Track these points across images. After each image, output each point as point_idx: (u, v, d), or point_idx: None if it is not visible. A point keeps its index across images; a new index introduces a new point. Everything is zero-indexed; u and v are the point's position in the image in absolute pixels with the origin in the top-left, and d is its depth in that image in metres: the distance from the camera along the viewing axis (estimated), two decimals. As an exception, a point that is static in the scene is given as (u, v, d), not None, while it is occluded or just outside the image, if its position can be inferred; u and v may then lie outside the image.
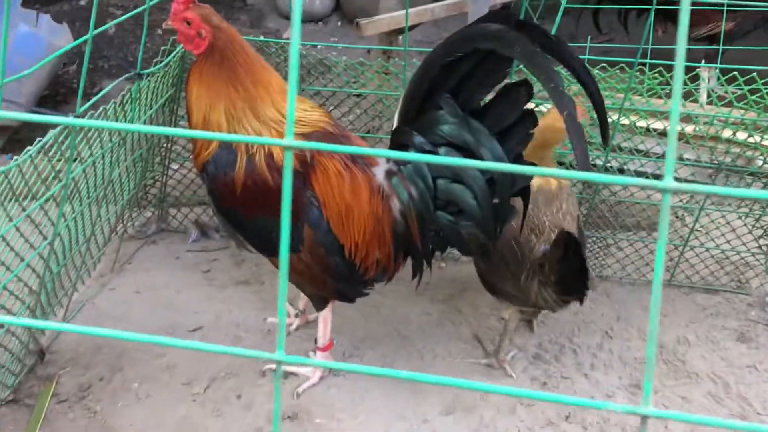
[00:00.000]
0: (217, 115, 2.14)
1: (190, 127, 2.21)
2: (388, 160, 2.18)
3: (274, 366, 2.42)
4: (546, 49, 1.88)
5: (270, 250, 2.26)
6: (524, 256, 2.26)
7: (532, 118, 2.05)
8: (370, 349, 2.58)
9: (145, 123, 2.56)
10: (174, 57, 2.65)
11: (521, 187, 2.10)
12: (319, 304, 2.35)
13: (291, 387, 2.38)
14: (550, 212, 2.30)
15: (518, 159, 2.10)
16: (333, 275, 2.22)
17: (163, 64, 2.58)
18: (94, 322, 2.63)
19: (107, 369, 2.44)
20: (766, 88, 2.54)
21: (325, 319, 2.38)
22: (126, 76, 2.43)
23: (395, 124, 2.14)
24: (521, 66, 2.22)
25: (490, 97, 2.14)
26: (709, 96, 3.94)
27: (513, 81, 2.02)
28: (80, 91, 1.92)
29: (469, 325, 2.72)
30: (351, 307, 2.74)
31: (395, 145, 2.13)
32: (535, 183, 2.25)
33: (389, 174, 2.18)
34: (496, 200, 2.08)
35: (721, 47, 3.86)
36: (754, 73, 2.49)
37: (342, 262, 2.19)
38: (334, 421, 2.27)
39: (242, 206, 2.17)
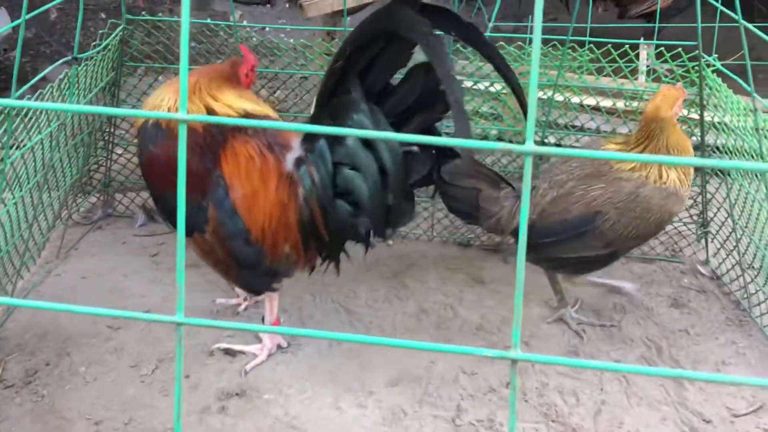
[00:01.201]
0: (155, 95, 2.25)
1: None
2: (300, 147, 2.19)
3: (222, 345, 2.46)
4: (459, 34, 1.94)
5: (175, 224, 2.30)
6: None
7: (433, 101, 2.06)
8: (318, 325, 2.63)
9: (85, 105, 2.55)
10: (113, 40, 2.64)
11: (419, 178, 2.12)
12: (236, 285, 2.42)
13: (240, 365, 2.42)
14: (566, 188, 2.46)
15: (423, 148, 2.10)
16: (237, 261, 2.23)
17: (101, 47, 2.56)
18: (40, 309, 2.62)
19: (54, 354, 2.45)
20: (692, 63, 2.64)
21: (271, 298, 2.42)
22: (63, 60, 2.42)
23: (313, 109, 2.18)
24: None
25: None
26: (648, 75, 4.06)
27: (417, 63, 2.03)
28: (14, 75, 1.91)
29: (416, 300, 2.79)
30: (299, 285, 2.78)
31: (306, 136, 2.17)
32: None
33: (298, 162, 2.17)
34: (390, 196, 2.09)
35: (657, 24, 3.98)
36: (680, 49, 2.59)
37: (247, 247, 2.19)
38: (282, 397, 2.32)
39: (155, 180, 2.23)
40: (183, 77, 0.76)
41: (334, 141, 2.09)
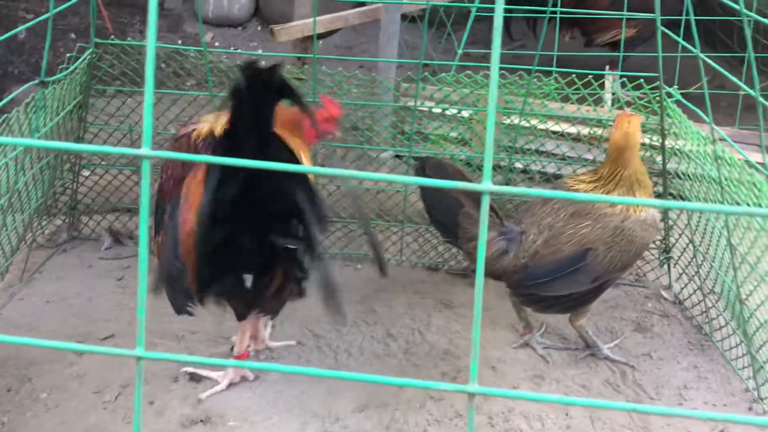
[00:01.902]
0: None
1: None
2: None
3: (189, 369, 2.44)
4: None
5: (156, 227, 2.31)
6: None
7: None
8: (285, 351, 2.62)
9: (51, 130, 2.54)
10: (81, 63, 2.63)
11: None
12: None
13: (203, 390, 2.40)
14: (560, 224, 2.48)
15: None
16: (166, 271, 2.19)
17: (69, 70, 2.55)
18: (2, 333, 2.58)
19: (15, 380, 2.40)
20: (653, 93, 2.71)
21: (243, 328, 2.39)
22: (30, 83, 2.41)
23: None
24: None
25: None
26: (613, 103, 4.15)
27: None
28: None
29: (384, 324, 2.79)
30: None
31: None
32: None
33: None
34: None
35: (622, 54, 4.08)
36: (641, 80, 2.65)
37: (174, 261, 2.14)
38: (248, 424, 2.31)
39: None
40: (147, 109, 0.77)
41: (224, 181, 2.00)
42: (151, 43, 0.79)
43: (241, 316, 2.34)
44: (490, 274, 2.49)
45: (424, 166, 2.53)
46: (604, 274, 2.49)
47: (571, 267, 2.44)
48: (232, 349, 2.47)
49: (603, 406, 0.98)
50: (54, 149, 2.62)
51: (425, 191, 2.54)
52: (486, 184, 0.77)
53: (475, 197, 2.45)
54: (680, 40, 2.54)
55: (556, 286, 2.48)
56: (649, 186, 2.52)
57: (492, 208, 2.49)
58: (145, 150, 0.76)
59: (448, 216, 2.48)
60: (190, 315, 2.26)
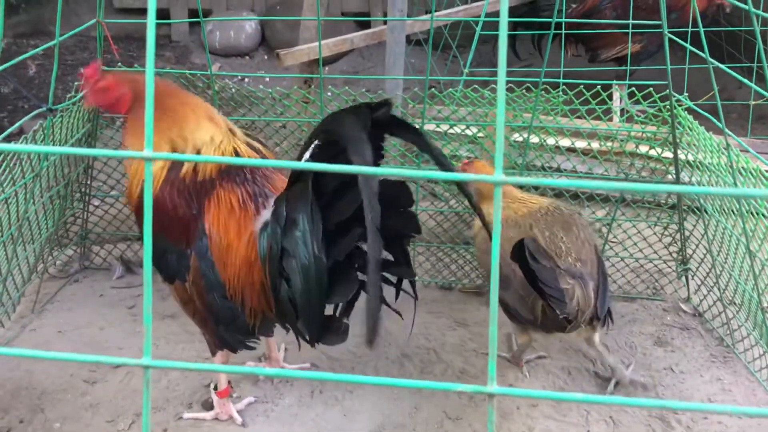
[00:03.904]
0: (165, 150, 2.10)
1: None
2: (273, 208, 2.06)
3: (189, 415, 2.36)
4: (411, 140, 1.89)
5: (165, 274, 2.19)
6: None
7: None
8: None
9: (60, 158, 2.54)
10: (89, 92, 2.64)
11: (341, 301, 2.03)
12: (211, 348, 2.27)
13: (213, 414, 2.37)
14: (568, 238, 2.37)
15: (343, 271, 1.98)
16: (213, 314, 2.14)
17: (76, 98, 2.56)
18: (15, 364, 2.56)
19: (28, 411, 2.38)
20: (663, 103, 2.69)
21: (221, 360, 2.29)
22: (37, 110, 2.41)
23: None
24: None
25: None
26: (622, 115, 4.13)
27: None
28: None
29: (398, 345, 2.76)
30: (278, 332, 2.74)
31: (276, 201, 2.05)
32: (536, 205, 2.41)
33: (264, 224, 2.07)
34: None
35: (629, 67, 4.07)
36: (650, 89, 2.63)
37: (222, 301, 2.11)
38: (263, 448, 2.27)
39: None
40: (149, 114, 0.75)
41: (290, 220, 1.97)
42: (150, 51, 0.77)
43: (214, 348, 2.26)
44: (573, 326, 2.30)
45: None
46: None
47: (603, 266, 2.42)
48: (215, 387, 2.38)
49: (629, 403, 0.94)
50: (65, 175, 2.62)
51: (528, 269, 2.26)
52: (498, 176, 0.75)
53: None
54: (688, 46, 2.52)
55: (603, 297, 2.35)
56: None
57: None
58: (147, 152, 0.75)
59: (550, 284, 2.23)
60: (252, 349, 2.25)
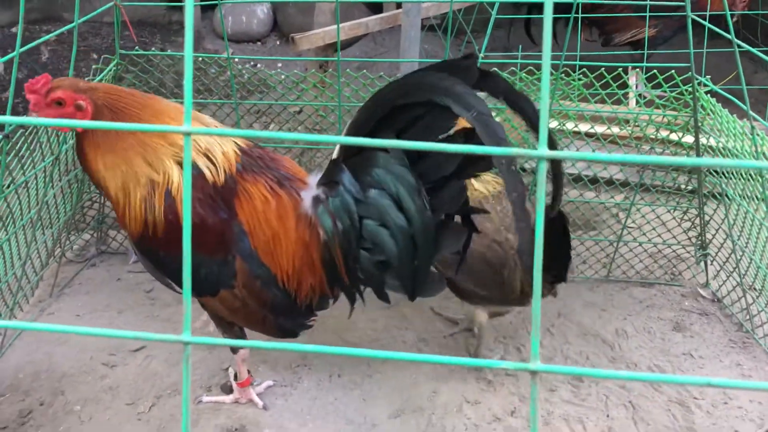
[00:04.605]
0: (138, 168, 1.96)
1: (111, 198, 2.00)
2: (318, 186, 2.03)
3: (205, 398, 2.36)
4: (505, 99, 1.80)
5: (199, 289, 2.05)
6: (506, 253, 2.32)
7: (466, 172, 1.94)
8: (316, 359, 2.58)
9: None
10: (106, 74, 2.64)
11: (453, 251, 2.00)
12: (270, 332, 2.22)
13: (233, 397, 2.37)
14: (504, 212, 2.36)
15: (449, 218, 1.98)
16: (271, 309, 2.10)
17: (95, 81, 2.56)
18: (34, 347, 2.57)
19: (48, 393, 2.39)
20: (685, 86, 2.66)
21: (243, 356, 2.30)
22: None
23: (335, 155, 2.02)
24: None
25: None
26: (637, 102, 4.10)
27: (457, 130, 1.88)
28: (9, 108, 1.90)
29: (415, 329, 2.75)
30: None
31: (326, 177, 2.02)
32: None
33: (316, 201, 2.03)
34: (416, 262, 1.98)
35: (645, 51, 4.03)
36: (673, 71, 2.61)
37: (279, 292, 2.07)
38: (283, 431, 2.27)
39: (165, 244, 1.99)
40: (188, 95, 0.74)
41: (360, 190, 1.96)
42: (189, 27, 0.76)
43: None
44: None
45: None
46: None
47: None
48: (235, 376, 2.38)
49: (665, 380, 0.93)
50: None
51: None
52: (542, 150, 0.74)
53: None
54: (714, 28, 2.48)
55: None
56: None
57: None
58: (186, 126, 0.74)
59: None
60: (310, 327, 2.21)
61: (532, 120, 1.77)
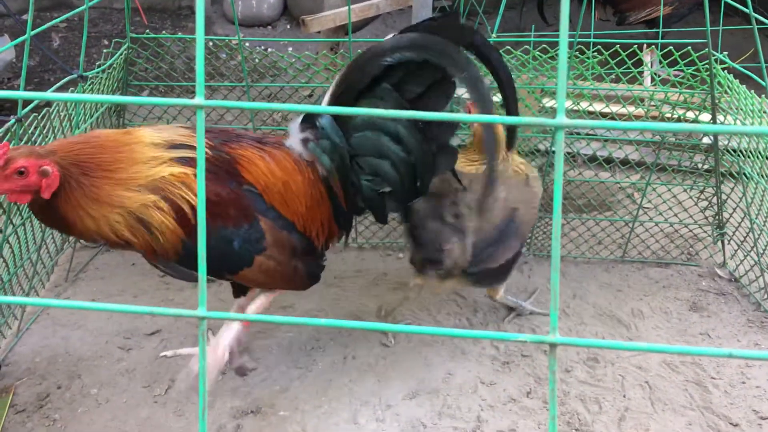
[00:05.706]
0: (136, 199, 1.90)
1: (118, 244, 1.92)
2: (302, 131, 2.14)
3: (169, 353, 2.40)
4: (477, 53, 2.02)
5: (238, 263, 2.06)
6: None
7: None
8: (331, 341, 2.59)
9: (91, 126, 2.54)
10: (117, 58, 2.63)
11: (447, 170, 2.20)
12: (301, 285, 2.26)
13: (252, 381, 2.38)
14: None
15: (444, 147, 2.16)
16: (300, 256, 2.17)
17: (105, 66, 2.55)
18: (50, 332, 2.59)
19: (65, 377, 2.40)
20: (701, 63, 2.62)
21: (266, 302, 2.27)
22: (69, 77, 2.40)
23: (327, 100, 2.13)
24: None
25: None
26: (653, 80, 4.05)
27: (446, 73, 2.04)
28: (21, 88, 1.89)
29: (429, 311, 2.75)
30: (311, 299, 2.75)
31: (306, 122, 2.14)
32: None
33: (305, 142, 2.14)
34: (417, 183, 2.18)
35: (660, 29, 3.98)
36: (689, 47, 2.57)
37: (301, 238, 2.15)
38: (299, 413, 2.28)
39: (214, 226, 2.00)
40: (200, 57, 0.73)
41: (345, 127, 2.11)
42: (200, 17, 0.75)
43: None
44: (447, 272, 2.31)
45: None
46: (525, 234, 2.46)
47: (507, 229, 2.34)
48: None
49: (688, 352, 0.91)
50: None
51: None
52: (560, 119, 0.72)
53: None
54: (732, 3, 2.43)
55: (497, 256, 2.34)
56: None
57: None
58: (198, 99, 0.73)
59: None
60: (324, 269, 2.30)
61: (498, 74, 2.04)
